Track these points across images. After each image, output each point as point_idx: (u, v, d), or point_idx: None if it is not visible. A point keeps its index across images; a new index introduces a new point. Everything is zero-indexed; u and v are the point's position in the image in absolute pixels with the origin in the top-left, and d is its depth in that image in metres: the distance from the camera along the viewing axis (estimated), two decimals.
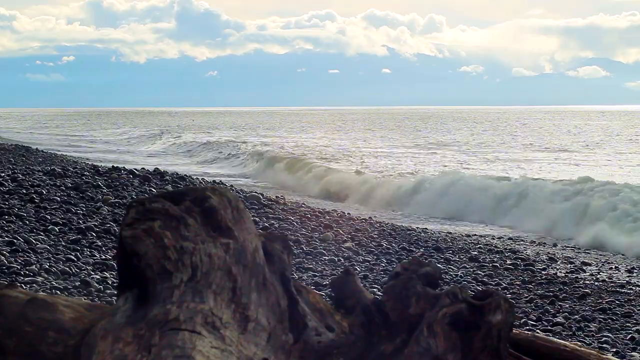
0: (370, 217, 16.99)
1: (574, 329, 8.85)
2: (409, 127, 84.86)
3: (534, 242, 16.10)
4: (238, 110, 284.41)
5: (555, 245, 15.91)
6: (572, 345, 3.23)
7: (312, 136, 63.19)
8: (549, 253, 14.30)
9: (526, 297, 10.32)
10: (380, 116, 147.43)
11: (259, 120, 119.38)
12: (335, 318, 2.95)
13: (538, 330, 8.31)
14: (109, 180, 16.27)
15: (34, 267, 9.19)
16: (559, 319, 9.17)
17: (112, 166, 19.33)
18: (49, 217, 12.07)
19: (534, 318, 9.25)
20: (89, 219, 12.32)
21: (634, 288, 11.22)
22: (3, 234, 10.64)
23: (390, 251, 12.94)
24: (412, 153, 43.12)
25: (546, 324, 9.00)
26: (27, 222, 11.63)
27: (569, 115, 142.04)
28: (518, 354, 3.06)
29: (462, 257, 12.97)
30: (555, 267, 12.64)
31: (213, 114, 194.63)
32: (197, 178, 20.21)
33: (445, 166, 33.54)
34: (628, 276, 12.40)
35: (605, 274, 12.43)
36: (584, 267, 12.92)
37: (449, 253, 13.21)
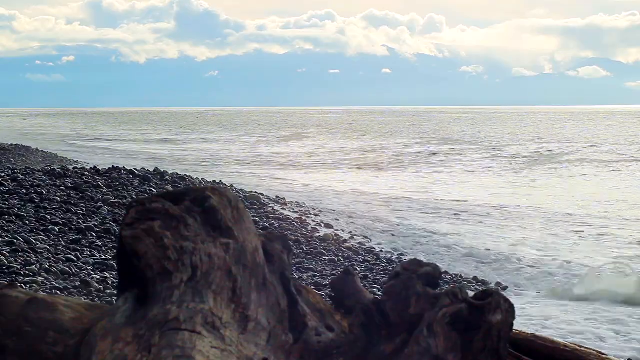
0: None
1: None
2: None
3: None
4: (237, 110, 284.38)
5: None
6: (572, 345, 3.22)
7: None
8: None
9: None
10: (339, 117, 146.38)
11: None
12: (335, 318, 2.95)
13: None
14: (109, 180, 16.27)
15: (34, 267, 9.19)
16: None
17: (112, 166, 19.32)
18: (49, 217, 12.07)
19: None
20: (89, 219, 12.32)
21: None
22: (3, 234, 10.64)
23: (391, 251, 12.94)
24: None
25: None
26: (27, 222, 11.63)
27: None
28: (518, 354, 3.06)
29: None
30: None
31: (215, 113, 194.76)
32: (197, 178, 20.21)
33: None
34: None
35: None
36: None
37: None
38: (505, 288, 10.77)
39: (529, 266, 12.30)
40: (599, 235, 15.37)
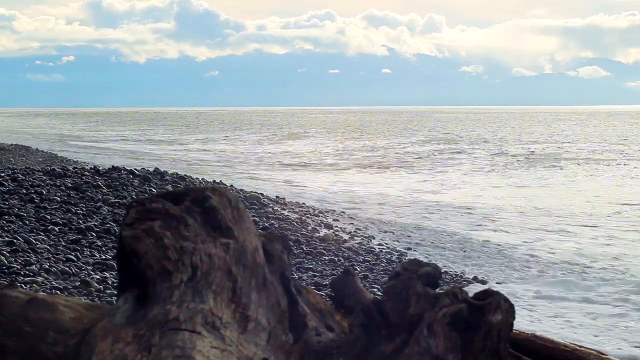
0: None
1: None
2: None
3: None
4: (237, 110, 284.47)
5: None
6: (572, 345, 3.22)
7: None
8: None
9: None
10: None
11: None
12: (335, 318, 2.95)
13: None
14: (109, 180, 16.26)
15: (34, 267, 9.19)
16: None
17: (112, 166, 19.31)
18: (49, 217, 12.07)
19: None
20: (89, 219, 12.31)
21: None
22: (3, 234, 10.64)
23: (391, 251, 12.93)
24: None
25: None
26: (27, 222, 11.63)
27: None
28: (518, 354, 3.06)
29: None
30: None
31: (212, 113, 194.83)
32: (197, 178, 20.20)
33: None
34: None
35: None
36: None
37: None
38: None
39: (530, 266, 12.31)
40: (604, 237, 15.38)
